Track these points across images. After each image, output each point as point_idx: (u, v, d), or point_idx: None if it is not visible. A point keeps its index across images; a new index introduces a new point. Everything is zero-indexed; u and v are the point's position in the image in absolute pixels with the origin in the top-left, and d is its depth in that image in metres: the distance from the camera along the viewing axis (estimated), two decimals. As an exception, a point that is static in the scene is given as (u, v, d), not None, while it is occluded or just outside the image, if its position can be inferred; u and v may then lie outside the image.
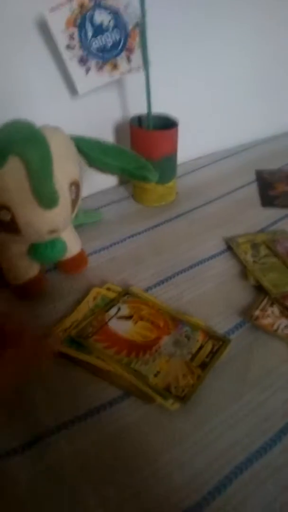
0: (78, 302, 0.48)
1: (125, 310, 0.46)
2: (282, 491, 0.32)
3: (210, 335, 0.43)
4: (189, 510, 0.31)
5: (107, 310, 0.46)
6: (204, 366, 0.40)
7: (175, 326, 0.44)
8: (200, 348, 0.42)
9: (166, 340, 0.43)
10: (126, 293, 0.48)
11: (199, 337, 0.43)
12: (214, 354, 0.41)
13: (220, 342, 0.42)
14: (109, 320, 0.45)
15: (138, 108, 0.64)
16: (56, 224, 0.43)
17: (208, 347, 0.42)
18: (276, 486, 0.32)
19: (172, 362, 0.41)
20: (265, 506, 0.31)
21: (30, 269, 0.49)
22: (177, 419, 0.37)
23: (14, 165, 0.38)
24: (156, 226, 0.63)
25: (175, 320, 0.45)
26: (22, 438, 0.35)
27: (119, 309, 0.46)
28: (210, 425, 0.36)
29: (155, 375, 0.39)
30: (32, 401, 0.38)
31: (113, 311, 0.46)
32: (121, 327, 0.44)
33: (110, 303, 0.47)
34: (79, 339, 0.42)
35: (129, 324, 0.45)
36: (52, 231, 0.43)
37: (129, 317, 0.45)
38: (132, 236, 0.61)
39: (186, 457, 0.34)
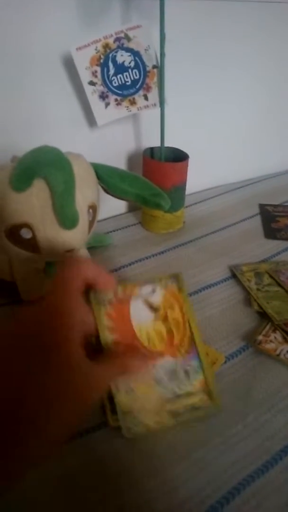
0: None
1: (158, 296, 0.38)
2: (283, 507, 0.33)
3: (207, 388, 0.36)
4: (193, 523, 0.32)
5: (142, 286, 0.38)
6: (174, 415, 0.35)
7: (187, 352, 0.37)
8: (188, 395, 0.36)
9: (165, 362, 0.37)
10: (174, 276, 0.40)
11: (197, 383, 0.36)
12: (193, 409, 0.35)
13: (209, 401, 0.36)
14: (135, 298, 0.38)
15: (150, 140, 0.68)
16: (74, 244, 0.45)
17: (195, 399, 0.36)
18: (276, 503, 0.33)
19: (152, 389, 0.36)
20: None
21: (44, 286, 0.51)
22: (182, 436, 0.38)
23: (39, 186, 0.41)
24: (163, 252, 0.66)
25: (192, 345, 0.38)
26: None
27: (154, 290, 0.39)
28: (213, 443, 0.38)
29: (127, 392, 0.35)
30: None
31: (146, 289, 0.38)
32: (139, 314, 0.37)
33: (150, 279, 0.39)
34: (91, 298, 0.36)
35: (149, 317, 0.37)
36: (69, 250, 0.46)
37: (155, 309, 0.38)
38: (140, 260, 0.63)
39: (189, 472, 0.35)
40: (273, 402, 0.41)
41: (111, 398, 0.35)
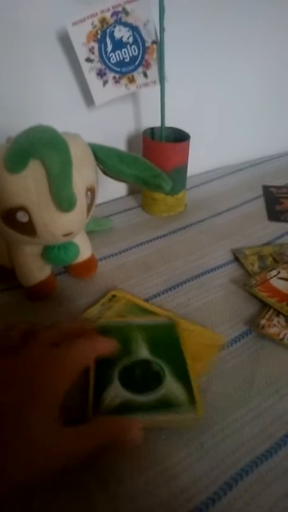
0: (87, 305, 0.50)
1: (284, 273, 0.54)
2: (287, 493, 0.32)
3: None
4: (195, 509, 0.31)
5: (269, 271, 0.54)
6: None
7: None
8: None
9: None
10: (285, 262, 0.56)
11: None
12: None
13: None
14: (270, 278, 0.52)
15: (150, 120, 0.66)
16: (72, 227, 0.44)
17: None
18: (280, 489, 0.32)
19: None
20: (270, 507, 0.31)
21: (42, 271, 0.50)
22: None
23: (35, 168, 0.40)
24: (164, 235, 0.64)
25: None
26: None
27: (278, 272, 0.54)
28: (216, 428, 0.37)
29: None
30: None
31: (273, 272, 0.54)
32: (281, 285, 0.52)
33: (270, 266, 0.55)
34: (245, 287, 0.51)
35: None
36: (67, 234, 0.44)
37: None
38: (141, 244, 0.62)
39: (192, 458, 0.35)
40: (277, 387, 0.40)
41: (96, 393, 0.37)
